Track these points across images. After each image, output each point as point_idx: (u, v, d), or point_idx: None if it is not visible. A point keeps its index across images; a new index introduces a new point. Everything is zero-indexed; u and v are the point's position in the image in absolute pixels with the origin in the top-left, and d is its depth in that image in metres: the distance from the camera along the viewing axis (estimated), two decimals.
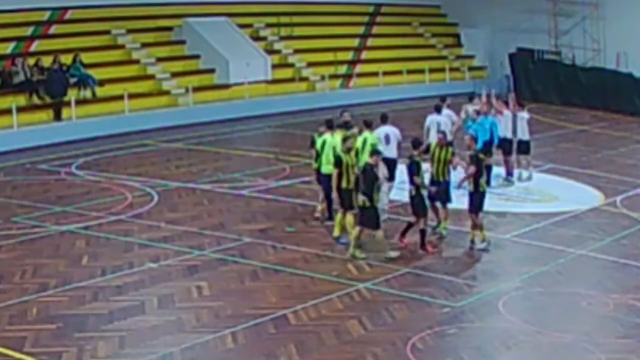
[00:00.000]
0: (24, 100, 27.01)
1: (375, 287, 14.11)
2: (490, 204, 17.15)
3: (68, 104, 27.28)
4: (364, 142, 17.45)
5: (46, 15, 30.39)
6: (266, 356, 11.55)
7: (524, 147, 21.46)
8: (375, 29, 40.40)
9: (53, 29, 30.41)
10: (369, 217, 15.43)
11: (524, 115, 21.66)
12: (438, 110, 21.00)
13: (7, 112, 25.81)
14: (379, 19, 40.91)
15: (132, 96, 29.04)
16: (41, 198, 19.65)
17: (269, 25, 36.56)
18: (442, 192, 16.71)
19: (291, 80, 34.70)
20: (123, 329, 12.33)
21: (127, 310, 13.01)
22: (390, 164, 18.26)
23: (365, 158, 16.58)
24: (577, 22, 38.14)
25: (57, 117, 27.28)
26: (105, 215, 18.16)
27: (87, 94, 28.61)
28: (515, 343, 12.11)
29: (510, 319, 12.94)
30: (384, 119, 19.10)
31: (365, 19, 40.33)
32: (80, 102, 27.81)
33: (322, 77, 35.39)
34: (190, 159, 24.36)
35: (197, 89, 31.11)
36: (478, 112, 20.90)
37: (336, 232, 16.44)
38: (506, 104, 22.12)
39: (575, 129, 30.49)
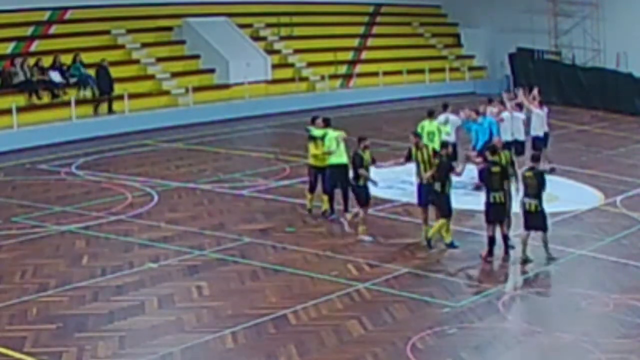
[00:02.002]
0: (24, 100, 27.02)
1: (375, 287, 14.11)
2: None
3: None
4: (422, 129, 19.86)
5: (46, 15, 30.38)
6: (266, 356, 11.55)
7: (519, 148, 21.49)
8: (375, 29, 40.39)
9: (53, 29, 30.40)
10: (442, 204, 15.79)
11: (521, 115, 21.68)
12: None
13: (7, 112, 25.81)
14: (379, 19, 40.91)
15: (132, 96, 29.04)
16: (41, 198, 19.65)
17: (269, 25, 36.55)
18: (432, 193, 16.63)
19: (291, 80, 34.69)
20: (123, 329, 12.33)
21: (127, 310, 13.01)
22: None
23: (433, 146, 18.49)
24: (577, 22, 38.15)
25: (110, 110, 28.54)
26: (105, 215, 18.16)
27: (87, 94, 28.62)
28: (515, 343, 12.12)
29: (510, 319, 12.95)
30: (445, 107, 21.46)
31: (365, 19, 40.32)
32: (80, 102, 27.81)
33: (322, 77, 35.38)
34: (190, 159, 24.35)
35: (197, 89, 31.10)
36: (478, 112, 20.91)
37: (446, 237, 16.30)
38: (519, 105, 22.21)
39: (575, 129, 30.50)
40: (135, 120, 28.33)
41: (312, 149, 18.27)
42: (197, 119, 29.69)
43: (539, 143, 21.90)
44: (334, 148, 17.78)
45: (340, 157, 17.81)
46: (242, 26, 34.71)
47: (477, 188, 20.33)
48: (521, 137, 21.51)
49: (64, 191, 20.47)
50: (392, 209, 18.75)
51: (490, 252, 15.45)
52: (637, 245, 16.44)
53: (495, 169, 15.57)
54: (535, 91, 23.46)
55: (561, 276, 15.02)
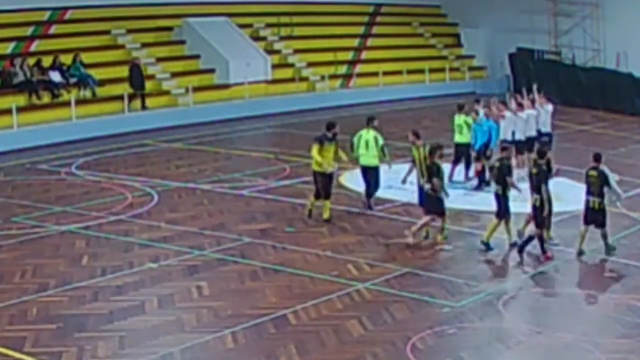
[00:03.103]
0: (24, 100, 27.02)
1: (375, 287, 14.11)
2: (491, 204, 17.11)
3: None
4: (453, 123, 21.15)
5: (46, 15, 30.39)
6: (266, 356, 11.55)
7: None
8: (375, 29, 40.39)
9: (53, 29, 30.41)
10: (501, 206, 15.85)
11: (523, 115, 21.67)
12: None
13: (7, 112, 25.81)
14: (379, 19, 40.91)
15: (132, 96, 29.03)
16: (41, 198, 19.65)
17: (269, 25, 36.56)
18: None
19: (291, 80, 34.70)
20: (123, 329, 12.33)
21: (127, 310, 13.01)
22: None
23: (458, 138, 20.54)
24: (577, 22, 38.14)
25: (143, 106, 29.40)
26: (105, 215, 18.16)
27: (87, 94, 28.63)
28: (515, 343, 12.11)
29: (510, 319, 12.95)
30: (478, 101, 22.05)
31: (365, 19, 40.33)
32: (80, 102, 27.82)
33: (322, 77, 35.39)
34: (190, 159, 24.36)
35: (197, 89, 31.10)
36: (477, 113, 20.91)
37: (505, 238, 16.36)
38: (532, 102, 22.28)
39: (575, 129, 30.49)
40: (135, 120, 28.34)
41: (327, 154, 17.86)
42: (197, 119, 29.70)
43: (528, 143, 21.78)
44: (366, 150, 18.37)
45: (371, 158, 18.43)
46: (242, 26, 34.72)
47: (477, 188, 20.37)
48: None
49: (64, 191, 20.47)
50: (392, 209, 18.75)
51: (543, 250, 15.50)
52: (637, 245, 16.43)
53: (534, 170, 15.65)
54: (534, 90, 23.44)
55: (561, 276, 15.02)
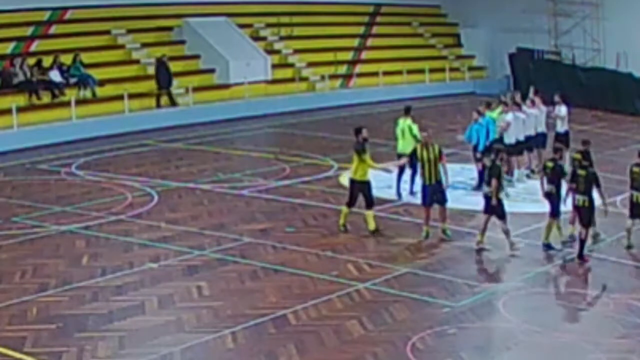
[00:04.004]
0: (24, 100, 27.02)
1: (375, 287, 14.11)
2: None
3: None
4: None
5: (46, 15, 30.38)
6: (266, 356, 11.55)
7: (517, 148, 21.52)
8: (375, 29, 40.38)
9: (53, 29, 30.39)
10: (554, 206, 15.87)
11: (522, 115, 21.69)
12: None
13: (7, 112, 25.81)
14: (379, 19, 40.90)
15: (132, 96, 29.04)
16: (41, 198, 19.65)
17: (269, 25, 36.55)
18: (437, 193, 16.64)
19: (291, 80, 34.69)
20: (123, 329, 12.33)
21: (127, 310, 13.01)
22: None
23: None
24: (577, 22, 38.12)
25: (172, 103, 30.20)
26: (105, 215, 18.16)
27: (87, 94, 28.62)
28: (515, 343, 12.11)
29: (510, 319, 12.94)
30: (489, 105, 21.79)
31: (365, 19, 40.32)
32: (80, 102, 27.83)
33: (322, 77, 35.38)
34: (190, 159, 24.36)
35: (197, 89, 31.10)
36: (479, 112, 20.89)
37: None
38: (532, 102, 22.33)
39: (575, 129, 30.43)
40: (135, 120, 28.33)
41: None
42: (197, 119, 29.69)
43: (533, 142, 21.85)
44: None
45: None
46: (242, 26, 34.71)
47: (477, 188, 20.35)
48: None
49: (64, 191, 20.46)
50: (392, 209, 18.74)
51: (582, 253, 15.52)
52: (637, 245, 16.42)
53: (582, 172, 15.68)
54: (531, 92, 23.49)
55: (561, 276, 15.02)
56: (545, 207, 16.30)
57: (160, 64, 30.03)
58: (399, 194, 19.47)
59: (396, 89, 36.44)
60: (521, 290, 14.20)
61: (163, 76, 29.93)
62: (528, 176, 21.50)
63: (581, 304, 13.72)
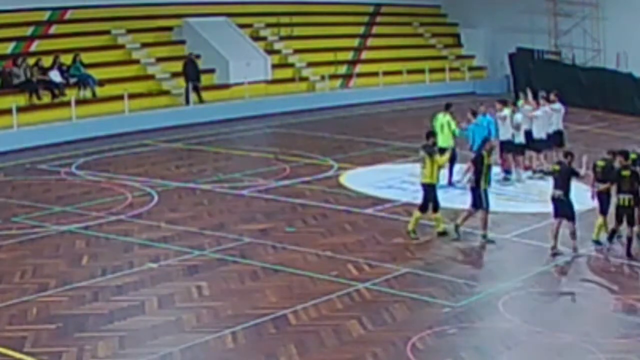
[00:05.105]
0: (24, 100, 27.02)
1: (375, 287, 14.11)
2: (491, 203, 17.11)
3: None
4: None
5: (46, 15, 30.39)
6: (266, 356, 11.55)
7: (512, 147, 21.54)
8: (375, 29, 40.38)
9: (53, 29, 30.40)
10: (566, 209, 15.76)
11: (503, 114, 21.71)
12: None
13: (7, 112, 25.81)
14: (379, 19, 40.90)
15: (132, 96, 29.04)
16: (41, 198, 19.65)
17: (269, 25, 36.55)
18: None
19: (291, 80, 34.69)
20: (123, 329, 12.33)
21: (127, 310, 13.01)
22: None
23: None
24: (577, 22, 38.12)
25: (200, 99, 30.83)
26: (105, 215, 18.16)
27: (87, 94, 28.63)
28: (515, 343, 12.11)
29: (510, 319, 12.94)
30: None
31: (365, 19, 40.32)
32: (80, 102, 27.83)
33: (322, 77, 35.37)
34: (190, 159, 24.36)
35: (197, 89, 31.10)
36: (474, 112, 20.90)
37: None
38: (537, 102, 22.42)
39: (575, 129, 30.46)
40: (135, 120, 28.33)
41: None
42: (197, 119, 29.70)
43: (539, 144, 21.95)
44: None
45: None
46: (242, 26, 34.72)
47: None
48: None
49: (64, 191, 20.46)
50: (392, 209, 18.75)
51: (629, 251, 15.65)
52: (637, 246, 16.41)
53: (625, 172, 15.68)
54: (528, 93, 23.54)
55: (561, 276, 15.02)
56: (545, 207, 16.28)
57: (189, 61, 30.80)
58: (451, 183, 20.18)
59: (396, 89, 36.47)
60: (521, 290, 14.20)
61: (192, 73, 30.66)
62: (531, 177, 21.52)
63: (581, 304, 13.71)
